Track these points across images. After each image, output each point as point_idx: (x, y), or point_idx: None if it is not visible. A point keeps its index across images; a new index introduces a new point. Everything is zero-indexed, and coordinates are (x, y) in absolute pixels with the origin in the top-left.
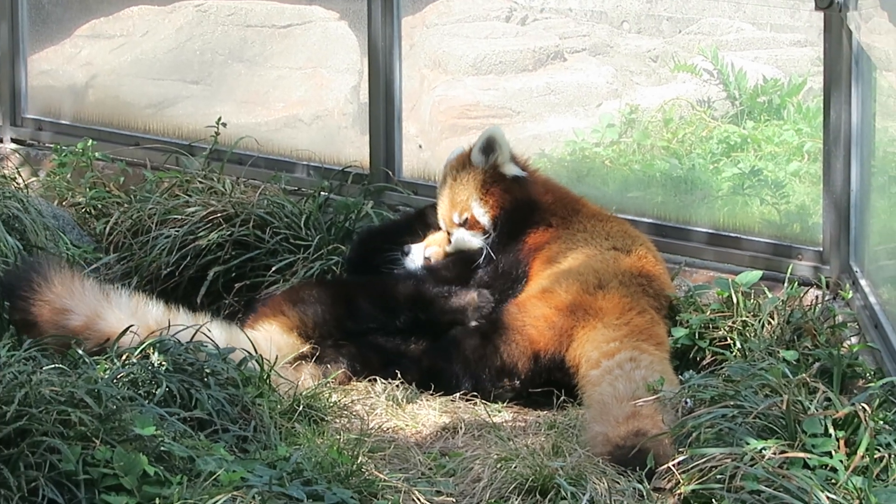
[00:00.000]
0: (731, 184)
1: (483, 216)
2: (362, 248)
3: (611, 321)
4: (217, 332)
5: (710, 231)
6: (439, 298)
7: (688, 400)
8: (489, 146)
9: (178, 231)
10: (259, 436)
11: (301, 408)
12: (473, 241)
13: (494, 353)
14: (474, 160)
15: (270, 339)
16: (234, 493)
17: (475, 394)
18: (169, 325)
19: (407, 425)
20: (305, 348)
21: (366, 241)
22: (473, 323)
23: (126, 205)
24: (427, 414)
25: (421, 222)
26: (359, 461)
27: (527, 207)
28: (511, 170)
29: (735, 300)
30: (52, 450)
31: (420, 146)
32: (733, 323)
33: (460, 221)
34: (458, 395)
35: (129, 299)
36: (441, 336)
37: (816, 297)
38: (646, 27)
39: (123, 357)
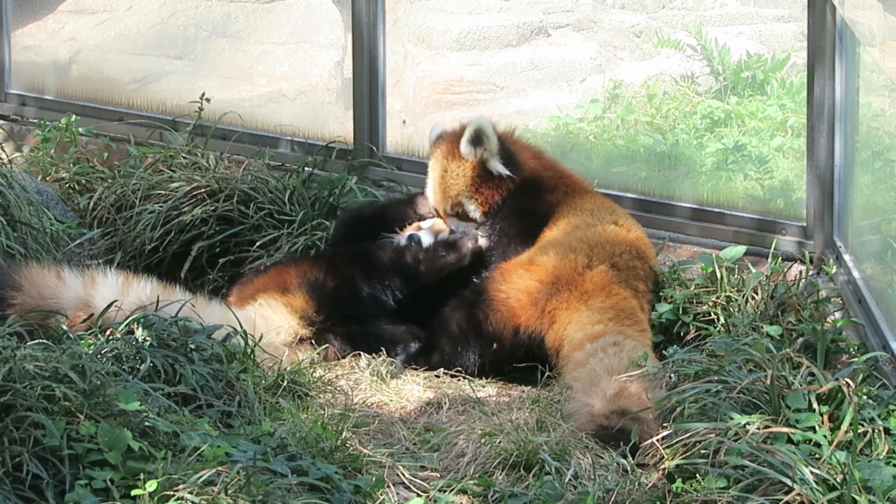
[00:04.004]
0: (714, 159)
1: (474, 212)
2: (348, 233)
3: (596, 304)
4: (213, 309)
5: (694, 206)
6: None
7: (672, 375)
8: (476, 138)
9: (162, 206)
10: (243, 411)
11: (285, 383)
12: (469, 231)
13: (481, 324)
14: (463, 152)
15: (267, 315)
16: (219, 468)
17: (459, 370)
18: (157, 301)
19: (391, 401)
20: (304, 331)
21: (352, 226)
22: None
23: (110, 180)
24: (411, 389)
25: (412, 209)
26: (343, 436)
27: (526, 189)
28: (496, 167)
29: (719, 275)
30: (37, 425)
31: (404, 121)
32: (717, 298)
33: (452, 213)
34: (441, 370)
35: (118, 278)
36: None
37: (800, 272)
38: (629, 2)
39: (108, 332)
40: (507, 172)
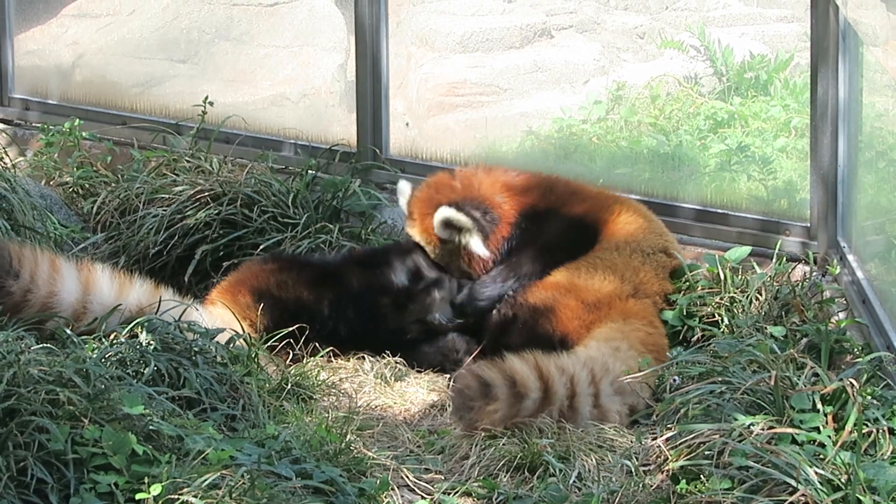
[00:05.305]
0: (718, 160)
1: (488, 258)
2: None
3: (633, 322)
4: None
5: (698, 207)
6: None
7: (676, 377)
8: (447, 224)
9: (165, 210)
10: (247, 414)
11: (289, 386)
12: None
13: (548, 333)
14: (442, 237)
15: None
16: (223, 471)
17: None
18: (159, 303)
19: (395, 403)
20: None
21: None
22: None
23: (113, 184)
24: (415, 391)
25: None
26: (347, 439)
27: (526, 224)
28: (478, 248)
29: (723, 276)
30: (41, 429)
31: (407, 124)
32: (721, 299)
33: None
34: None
35: (113, 278)
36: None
37: (804, 272)
38: (632, 3)
39: (111, 336)
40: (486, 252)
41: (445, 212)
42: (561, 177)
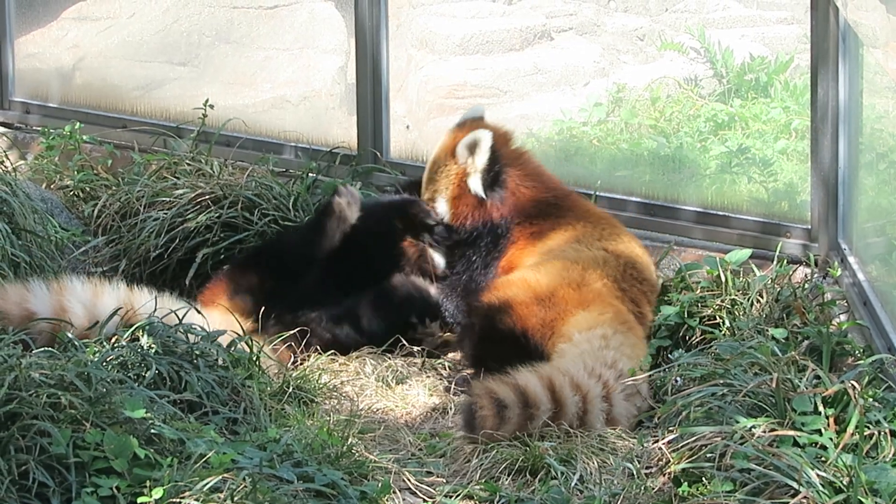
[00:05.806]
0: (718, 162)
1: (445, 213)
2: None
3: (595, 309)
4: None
5: (699, 209)
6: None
7: (677, 379)
8: (472, 146)
9: (166, 213)
10: (249, 418)
11: (291, 389)
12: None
13: (509, 328)
14: (457, 152)
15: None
16: (225, 474)
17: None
18: (155, 304)
19: (397, 406)
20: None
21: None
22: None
23: (114, 187)
24: (417, 395)
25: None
26: (349, 442)
27: (495, 232)
28: (475, 185)
29: (724, 278)
30: (43, 433)
31: (408, 126)
32: (722, 301)
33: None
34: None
35: (85, 287)
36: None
37: (805, 274)
38: (632, 5)
39: (113, 340)
40: (482, 195)
41: (483, 135)
42: (571, 196)
